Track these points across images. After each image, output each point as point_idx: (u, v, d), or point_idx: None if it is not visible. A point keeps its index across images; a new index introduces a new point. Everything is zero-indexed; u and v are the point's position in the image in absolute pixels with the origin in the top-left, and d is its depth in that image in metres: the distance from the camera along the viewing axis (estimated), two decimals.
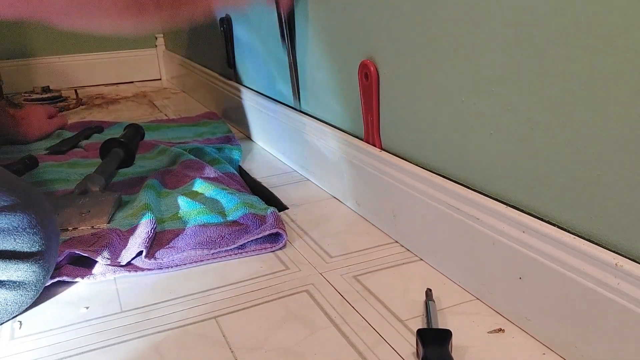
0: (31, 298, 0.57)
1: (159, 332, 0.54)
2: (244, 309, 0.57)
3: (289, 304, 0.57)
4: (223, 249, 0.67)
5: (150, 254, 0.65)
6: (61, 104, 1.60)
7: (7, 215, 0.55)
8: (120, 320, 0.56)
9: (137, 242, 0.66)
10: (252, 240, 0.69)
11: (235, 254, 0.67)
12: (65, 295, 0.60)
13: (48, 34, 1.81)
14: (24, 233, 0.56)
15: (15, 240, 0.55)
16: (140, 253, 0.65)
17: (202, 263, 0.66)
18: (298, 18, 0.86)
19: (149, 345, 0.52)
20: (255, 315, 0.56)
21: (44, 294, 0.60)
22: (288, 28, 0.88)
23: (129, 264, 0.65)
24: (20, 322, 0.56)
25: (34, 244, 0.56)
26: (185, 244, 0.68)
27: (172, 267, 0.65)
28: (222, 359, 0.49)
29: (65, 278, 0.61)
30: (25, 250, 0.56)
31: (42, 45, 1.82)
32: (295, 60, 0.90)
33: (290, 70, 0.92)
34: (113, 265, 0.64)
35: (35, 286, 0.57)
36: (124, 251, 0.66)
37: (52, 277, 0.61)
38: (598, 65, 0.41)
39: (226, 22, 1.20)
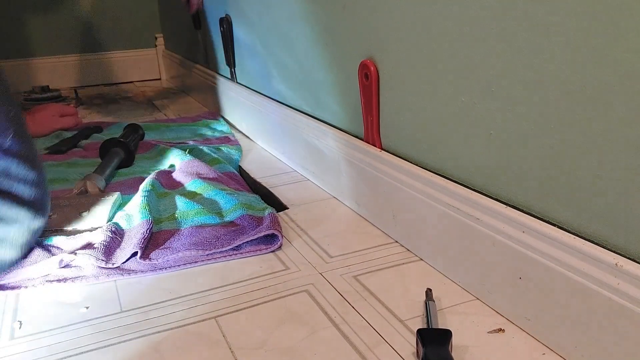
0: (11, 245, 0.61)
1: (159, 332, 0.54)
2: (243, 309, 0.57)
3: (289, 304, 0.57)
4: (218, 250, 0.67)
5: (145, 255, 0.65)
6: (61, 104, 1.60)
7: (25, 167, 0.61)
8: (120, 320, 0.56)
9: (132, 242, 0.66)
10: (247, 242, 0.69)
11: (230, 255, 0.67)
12: (65, 295, 0.60)
13: (48, 34, 1.81)
14: (30, 188, 0.62)
15: (17, 189, 0.61)
16: (135, 254, 0.65)
17: (202, 263, 0.66)
18: (294, 19, 0.86)
19: (149, 345, 0.52)
20: (255, 315, 0.56)
21: (44, 294, 0.60)
22: (198, 20, 1.36)
23: (123, 264, 0.64)
24: (20, 322, 0.56)
25: (32, 197, 0.62)
26: (181, 244, 0.67)
27: (166, 268, 0.65)
28: (222, 359, 0.49)
29: (58, 280, 0.61)
30: (24, 197, 0.61)
31: (42, 45, 1.82)
32: (206, 40, 1.39)
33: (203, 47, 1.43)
34: (107, 268, 0.63)
35: (18, 232, 0.61)
36: (118, 251, 0.66)
37: (48, 279, 0.61)
38: (598, 65, 0.41)
39: (226, 22, 1.20)
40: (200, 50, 1.43)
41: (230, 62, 1.24)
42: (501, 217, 0.52)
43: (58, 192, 0.86)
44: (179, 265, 0.65)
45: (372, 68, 0.68)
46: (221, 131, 1.23)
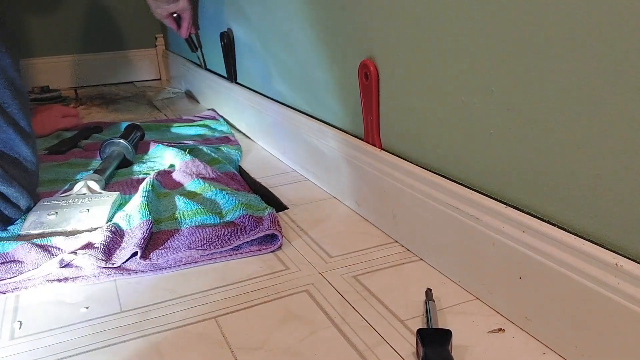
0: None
1: (159, 332, 0.54)
2: (244, 309, 0.57)
3: (289, 304, 0.57)
4: (218, 250, 0.67)
5: (145, 255, 0.65)
6: (60, 104, 1.60)
7: None
8: (120, 320, 0.56)
9: (132, 242, 0.66)
10: (247, 242, 0.69)
11: (231, 255, 0.67)
12: (65, 295, 0.60)
13: (48, 34, 1.81)
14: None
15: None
16: (135, 254, 0.65)
17: (202, 263, 0.66)
18: (294, 19, 0.86)
19: (149, 345, 0.52)
20: (255, 315, 0.56)
21: (44, 294, 0.60)
22: (193, 43, 1.44)
23: (123, 264, 0.64)
24: (20, 322, 0.56)
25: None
26: (181, 244, 0.67)
27: (166, 268, 0.65)
28: (222, 359, 0.49)
29: (59, 280, 0.61)
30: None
31: (42, 45, 1.81)
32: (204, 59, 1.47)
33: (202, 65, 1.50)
34: (107, 268, 0.63)
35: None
36: (118, 251, 0.66)
37: (48, 279, 0.61)
38: (598, 65, 0.41)
39: (227, 37, 1.20)
40: (199, 59, 1.47)
41: (232, 75, 1.23)
42: (501, 217, 0.52)
43: (59, 193, 0.86)
44: (179, 265, 0.65)
45: (372, 68, 0.68)
46: (221, 131, 1.23)
